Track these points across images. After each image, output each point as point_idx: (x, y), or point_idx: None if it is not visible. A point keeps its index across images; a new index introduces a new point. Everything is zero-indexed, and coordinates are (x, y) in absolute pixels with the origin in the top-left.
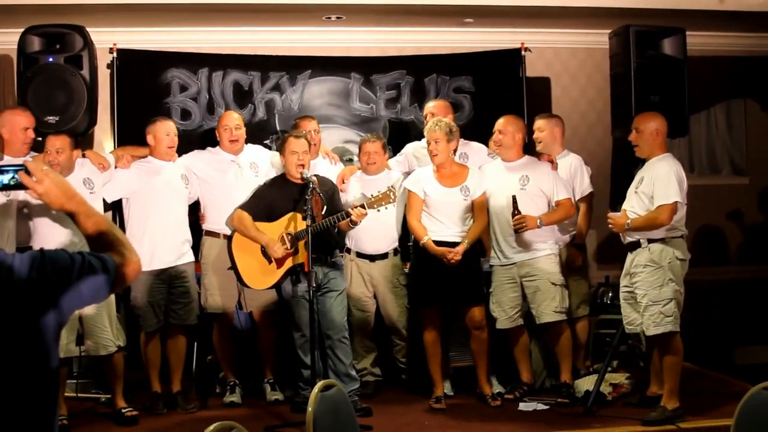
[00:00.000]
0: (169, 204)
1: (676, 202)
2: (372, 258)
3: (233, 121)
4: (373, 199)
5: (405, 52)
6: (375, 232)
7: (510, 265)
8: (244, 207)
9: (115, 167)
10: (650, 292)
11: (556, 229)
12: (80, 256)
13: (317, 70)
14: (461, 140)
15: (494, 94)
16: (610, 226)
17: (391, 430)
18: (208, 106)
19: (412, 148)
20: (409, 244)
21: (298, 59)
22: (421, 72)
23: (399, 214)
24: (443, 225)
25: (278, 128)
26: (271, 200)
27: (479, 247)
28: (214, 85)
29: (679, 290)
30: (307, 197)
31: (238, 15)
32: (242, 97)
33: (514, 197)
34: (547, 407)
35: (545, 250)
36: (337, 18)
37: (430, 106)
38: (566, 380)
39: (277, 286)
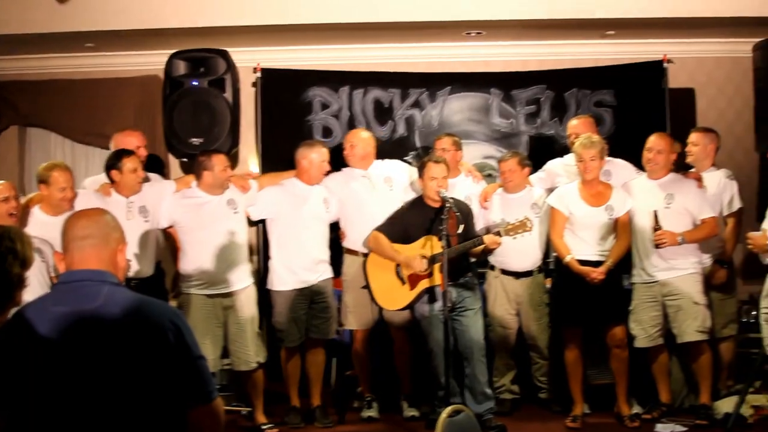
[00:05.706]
0: (310, 227)
1: None
2: (517, 275)
3: (350, 137)
4: (509, 227)
5: (545, 66)
6: (521, 250)
7: (652, 283)
8: (380, 229)
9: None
10: None
11: (698, 247)
12: (203, 362)
13: (457, 86)
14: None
15: (636, 108)
16: (749, 246)
17: None
18: (349, 123)
19: (556, 165)
20: (548, 260)
21: (438, 75)
22: (562, 86)
23: (543, 231)
24: (586, 244)
25: (418, 145)
26: (408, 223)
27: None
28: (354, 102)
29: None
30: (443, 216)
31: (379, 33)
32: (382, 114)
33: (655, 212)
34: (685, 429)
35: (688, 269)
36: (477, 33)
37: (573, 125)
38: (705, 402)
39: (410, 308)
